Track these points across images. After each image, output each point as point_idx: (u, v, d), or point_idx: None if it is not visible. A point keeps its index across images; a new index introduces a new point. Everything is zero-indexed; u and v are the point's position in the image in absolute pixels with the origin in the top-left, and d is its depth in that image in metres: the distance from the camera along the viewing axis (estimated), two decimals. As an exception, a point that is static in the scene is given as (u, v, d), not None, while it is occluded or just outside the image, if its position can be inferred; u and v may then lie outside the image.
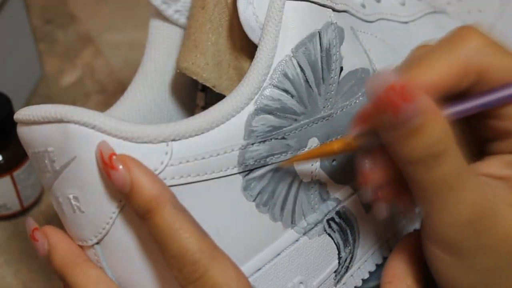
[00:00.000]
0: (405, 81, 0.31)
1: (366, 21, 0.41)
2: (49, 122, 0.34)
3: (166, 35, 0.43)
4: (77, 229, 0.35)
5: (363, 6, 0.42)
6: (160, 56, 0.43)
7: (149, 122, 0.42)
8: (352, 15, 0.40)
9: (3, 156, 0.50)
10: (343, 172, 0.39)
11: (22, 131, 0.35)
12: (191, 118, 0.35)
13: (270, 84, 0.36)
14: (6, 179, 0.50)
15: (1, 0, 0.54)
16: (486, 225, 0.33)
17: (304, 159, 0.37)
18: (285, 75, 0.36)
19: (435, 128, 0.31)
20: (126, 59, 0.64)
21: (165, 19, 0.43)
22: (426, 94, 0.32)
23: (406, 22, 0.44)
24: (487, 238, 0.33)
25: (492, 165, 0.35)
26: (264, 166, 0.36)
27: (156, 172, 0.34)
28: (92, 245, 0.35)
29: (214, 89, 0.40)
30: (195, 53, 0.39)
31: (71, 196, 0.35)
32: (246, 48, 0.39)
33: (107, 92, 0.61)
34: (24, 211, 0.53)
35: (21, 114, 0.35)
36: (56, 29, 0.68)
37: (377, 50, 0.41)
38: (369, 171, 0.34)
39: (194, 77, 0.39)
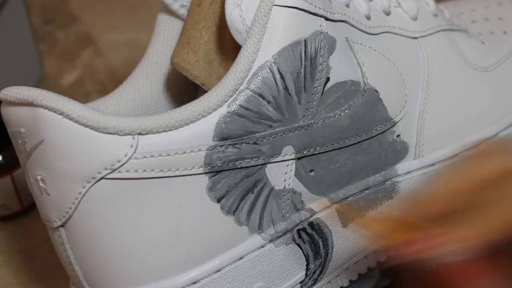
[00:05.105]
0: None
1: (368, 33, 0.40)
2: (22, 104, 0.35)
3: (170, 29, 0.43)
4: (45, 210, 0.36)
5: (368, 17, 0.41)
6: (163, 49, 0.43)
7: (143, 112, 0.43)
8: (352, 25, 0.40)
9: (3, 156, 0.50)
10: (321, 184, 0.39)
11: (3, 110, 0.36)
12: (161, 114, 0.35)
13: (246, 88, 0.36)
14: (6, 179, 0.50)
15: (1, 0, 0.54)
16: None
17: None
18: (264, 81, 0.36)
19: None
20: (126, 59, 0.63)
21: (173, 13, 0.43)
22: None
23: (415, 38, 0.43)
24: None
25: None
26: (233, 169, 0.36)
27: (119, 164, 0.34)
28: (57, 227, 0.36)
29: (204, 87, 0.40)
30: (187, 50, 0.40)
31: (39, 178, 0.36)
32: (237, 49, 0.39)
33: (107, 92, 0.61)
34: (24, 211, 0.52)
35: (2, 93, 0.36)
36: (56, 29, 0.67)
37: (373, 63, 0.40)
38: None
39: (184, 73, 0.40)
